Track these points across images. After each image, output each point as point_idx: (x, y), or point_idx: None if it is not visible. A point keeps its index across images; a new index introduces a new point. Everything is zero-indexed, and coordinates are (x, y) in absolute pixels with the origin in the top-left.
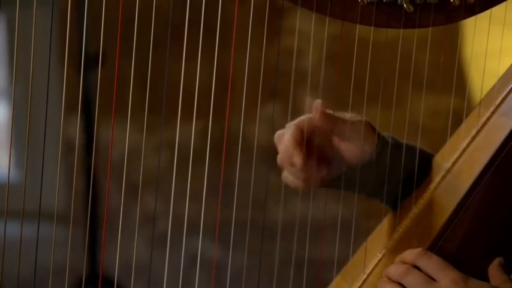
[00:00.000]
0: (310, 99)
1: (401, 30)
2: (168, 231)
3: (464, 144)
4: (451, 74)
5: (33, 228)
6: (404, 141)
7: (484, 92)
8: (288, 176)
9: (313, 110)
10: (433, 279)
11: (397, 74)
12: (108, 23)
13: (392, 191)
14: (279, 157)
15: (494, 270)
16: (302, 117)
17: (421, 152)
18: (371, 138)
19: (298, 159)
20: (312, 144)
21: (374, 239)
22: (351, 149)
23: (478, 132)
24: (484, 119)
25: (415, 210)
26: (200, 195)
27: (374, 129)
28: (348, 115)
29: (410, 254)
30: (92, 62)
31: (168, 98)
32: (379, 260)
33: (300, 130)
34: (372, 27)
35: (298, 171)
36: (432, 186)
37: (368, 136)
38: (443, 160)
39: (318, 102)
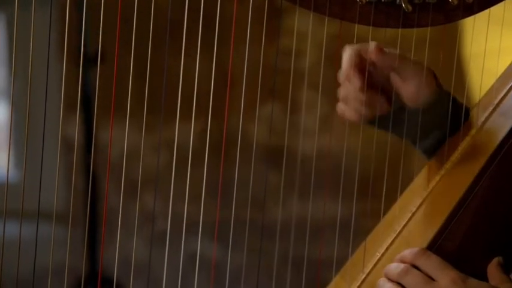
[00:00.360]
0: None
1: (400, 29)
2: (167, 230)
3: (463, 144)
4: (449, 73)
5: (32, 227)
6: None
7: (483, 92)
8: (343, 107)
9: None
10: (432, 279)
11: None
12: (107, 21)
13: (434, 144)
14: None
15: (493, 269)
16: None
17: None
18: (430, 84)
19: (355, 80)
20: (370, 76)
21: (373, 239)
22: (408, 89)
23: (477, 131)
24: (483, 118)
25: (413, 209)
26: (199, 194)
27: (436, 77)
28: (410, 57)
29: (409, 254)
30: (91, 60)
31: (167, 97)
32: (378, 260)
33: (356, 51)
34: (371, 27)
35: (353, 98)
36: (431, 185)
37: (428, 81)
38: (442, 159)
39: (374, 43)
